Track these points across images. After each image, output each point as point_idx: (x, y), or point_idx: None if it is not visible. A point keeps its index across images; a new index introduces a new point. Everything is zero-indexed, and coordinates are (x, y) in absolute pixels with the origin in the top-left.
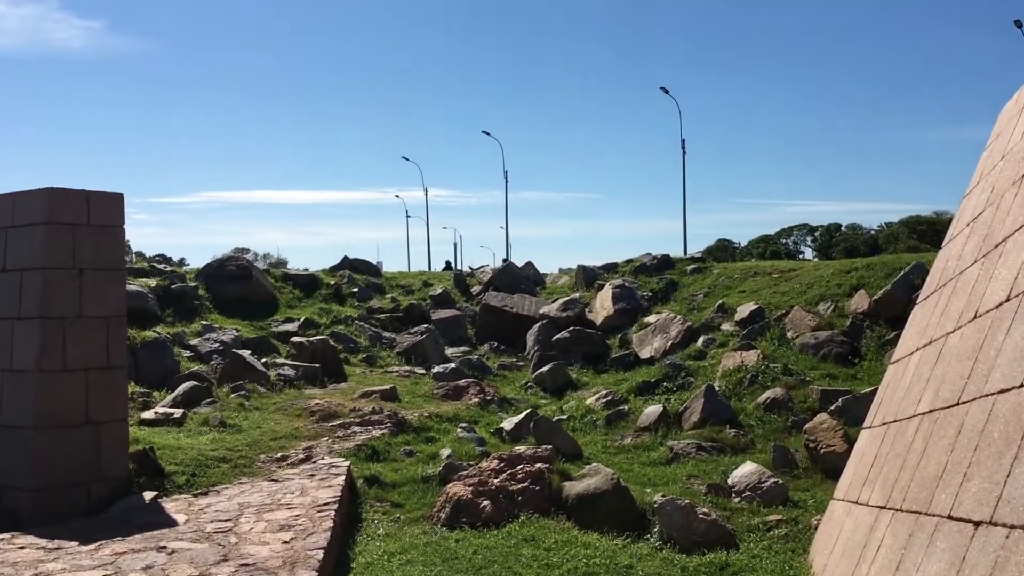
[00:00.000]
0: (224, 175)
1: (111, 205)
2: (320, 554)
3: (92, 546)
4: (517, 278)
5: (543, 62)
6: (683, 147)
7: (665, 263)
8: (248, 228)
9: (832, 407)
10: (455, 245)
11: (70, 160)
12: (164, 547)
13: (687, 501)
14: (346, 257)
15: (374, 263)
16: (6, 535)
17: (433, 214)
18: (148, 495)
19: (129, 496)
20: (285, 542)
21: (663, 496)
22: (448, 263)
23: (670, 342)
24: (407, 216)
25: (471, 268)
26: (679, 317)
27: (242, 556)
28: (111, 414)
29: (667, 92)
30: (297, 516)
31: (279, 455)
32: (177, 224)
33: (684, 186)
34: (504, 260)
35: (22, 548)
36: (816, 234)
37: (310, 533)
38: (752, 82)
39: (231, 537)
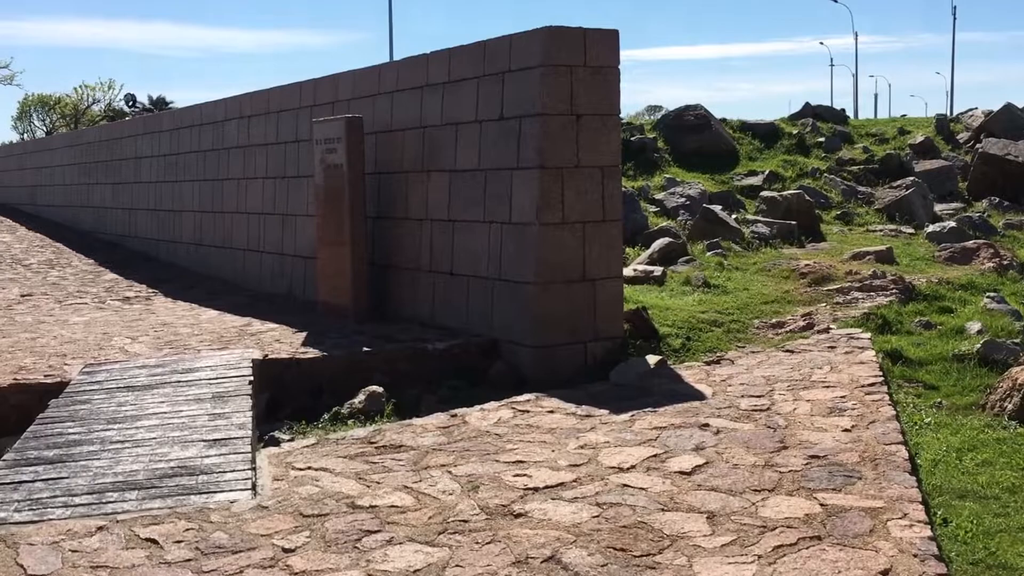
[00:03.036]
0: (629, 33)
1: (606, 44)
2: (902, 451)
3: (625, 416)
4: (1020, 122)
5: None
6: None
7: None
8: (653, 87)
9: None
10: (875, 96)
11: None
12: (706, 425)
13: None
14: (808, 104)
15: (839, 109)
16: (530, 396)
17: (860, 63)
18: (652, 359)
19: (630, 360)
20: (846, 430)
21: None
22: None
23: None
24: (831, 65)
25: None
26: None
27: (802, 444)
28: (607, 270)
29: None
30: (843, 398)
31: (774, 320)
32: None
33: None
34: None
35: (551, 412)
36: None
37: (871, 421)
38: None
39: (776, 418)
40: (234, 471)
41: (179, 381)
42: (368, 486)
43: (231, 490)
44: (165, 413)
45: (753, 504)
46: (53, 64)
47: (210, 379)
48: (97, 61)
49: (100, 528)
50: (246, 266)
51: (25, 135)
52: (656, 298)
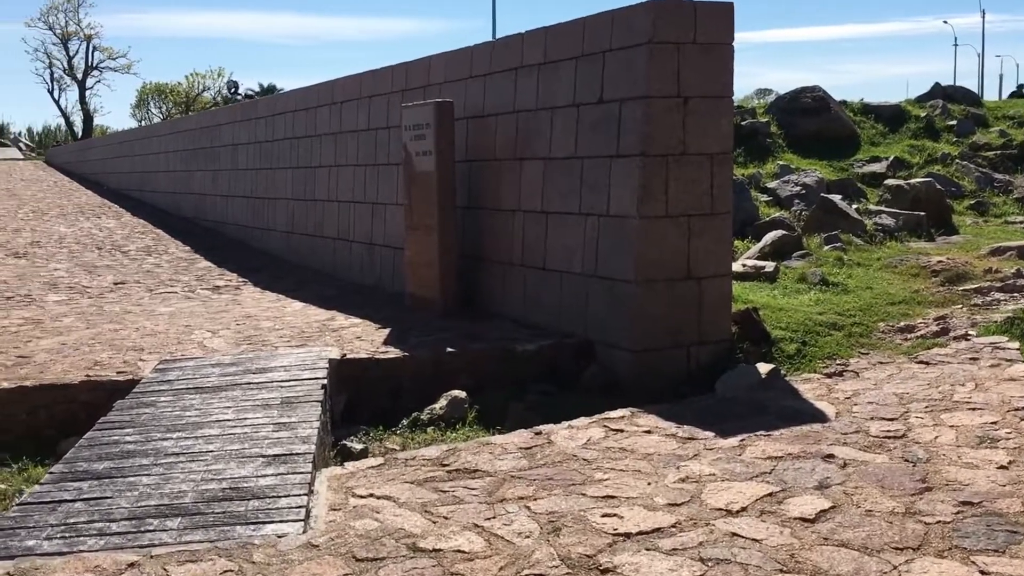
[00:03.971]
0: (739, 15)
1: (719, 18)
2: None
3: (733, 441)
4: None
5: None
6: None
7: None
8: (761, 69)
9: None
10: (1000, 77)
11: None
12: (830, 455)
13: None
14: (938, 84)
15: (973, 91)
16: (625, 412)
17: (985, 42)
18: (763, 368)
19: (739, 367)
20: (1002, 467)
21: None
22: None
23: None
24: (955, 45)
25: None
26: None
27: (949, 485)
28: (714, 268)
29: None
30: (993, 424)
31: (902, 324)
32: None
33: None
34: None
35: (648, 433)
36: None
37: None
38: None
39: (914, 449)
40: (288, 496)
41: (249, 383)
42: (434, 522)
43: (282, 520)
44: (229, 421)
45: (895, 568)
46: (172, 54)
47: (282, 381)
48: (213, 50)
49: (131, 565)
50: (336, 256)
51: (143, 122)
52: (767, 297)
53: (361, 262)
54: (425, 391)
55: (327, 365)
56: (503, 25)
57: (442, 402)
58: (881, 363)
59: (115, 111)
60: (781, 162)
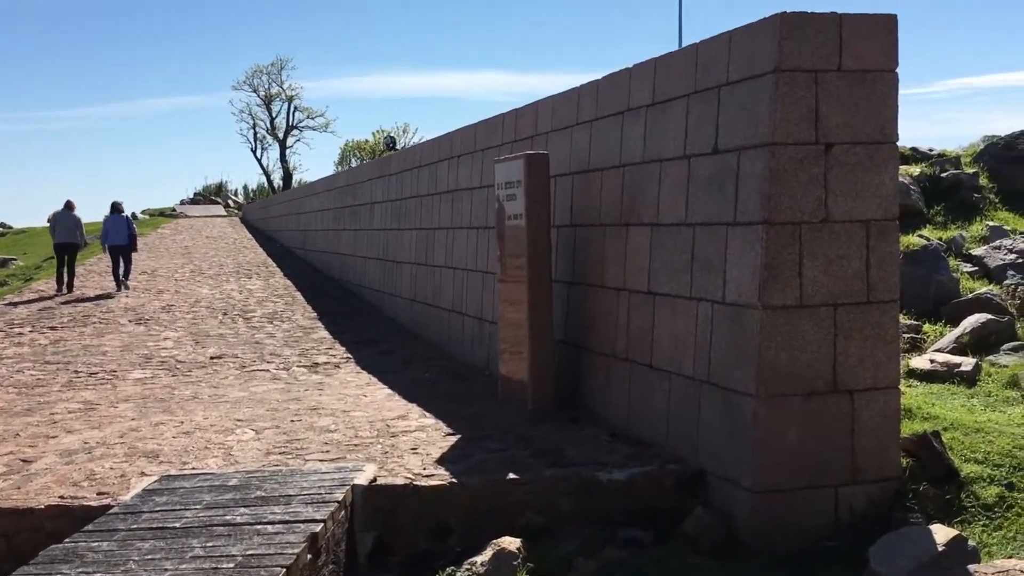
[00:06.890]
0: (967, 58)
1: (876, 36)
2: None
3: None
4: None
5: None
6: None
7: None
8: (993, 115)
9: None
10: None
11: None
12: None
13: None
14: None
15: None
16: None
17: None
18: (940, 535)
19: (904, 532)
20: None
21: None
22: None
23: None
24: None
25: None
26: None
27: None
28: (873, 377)
29: None
30: None
31: None
32: (917, 116)
33: None
34: None
35: None
36: None
37: None
38: None
39: None
40: None
41: (226, 523)
42: None
43: None
44: None
45: None
46: (371, 113)
47: (268, 523)
48: (416, 108)
49: None
50: (450, 330)
51: None
52: (961, 410)
53: (472, 338)
54: (478, 528)
55: (340, 499)
56: None
57: (488, 553)
58: None
59: (312, 168)
60: (992, 223)
